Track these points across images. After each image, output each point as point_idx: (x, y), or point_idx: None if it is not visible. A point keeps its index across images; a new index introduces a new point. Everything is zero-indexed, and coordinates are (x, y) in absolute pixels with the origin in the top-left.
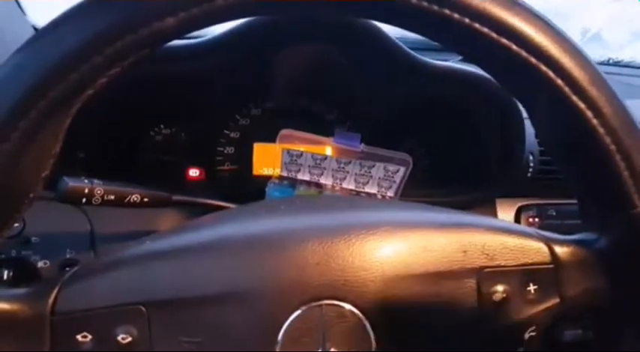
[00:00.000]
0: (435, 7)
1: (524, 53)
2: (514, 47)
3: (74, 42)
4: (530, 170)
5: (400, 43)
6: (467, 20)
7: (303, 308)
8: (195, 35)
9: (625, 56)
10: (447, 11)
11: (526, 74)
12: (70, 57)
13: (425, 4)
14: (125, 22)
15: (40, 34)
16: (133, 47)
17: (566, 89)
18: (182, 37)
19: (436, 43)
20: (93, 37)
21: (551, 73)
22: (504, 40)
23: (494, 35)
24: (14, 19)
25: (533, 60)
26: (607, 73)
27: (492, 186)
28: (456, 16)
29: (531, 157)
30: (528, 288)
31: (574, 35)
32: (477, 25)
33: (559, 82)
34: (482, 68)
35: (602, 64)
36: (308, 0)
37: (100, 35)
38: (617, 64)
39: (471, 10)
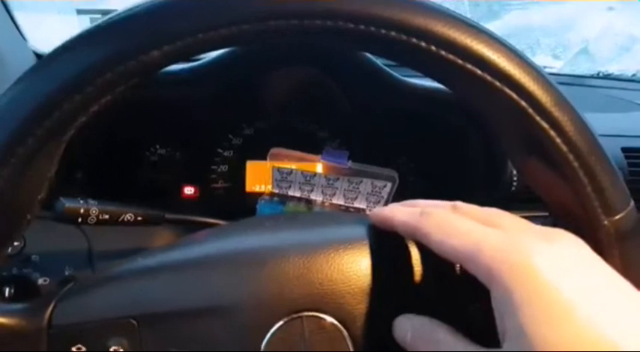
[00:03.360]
0: (404, 37)
1: (488, 77)
2: (479, 72)
3: (67, 74)
4: (515, 184)
5: (382, 65)
6: (433, 48)
7: (285, 319)
8: None
9: (613, 69)
10: (414, 40)
11: (492, 97)
12: (64, 88)
13: (393, 33)
14: (114, 56)
15: (37, 67)
16: (122, 77)
17: (530, 110)
18: None
19: None
20: (85, 70)
21: (515, 96)
22: (469, 66)
23: (459, 61)
24: (15, 45)
25: (497, 84)
26: (597, 86)
27: (477, 200)
28: (423, 44)
29: (515, 171)
30: None
31: (575, 44)
32: (443, 53)
33: (523, 103)
34: (452, 91)
35: (591, 77)
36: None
37: (91, 67)
38: (606, 77)
39: (437, 39)
